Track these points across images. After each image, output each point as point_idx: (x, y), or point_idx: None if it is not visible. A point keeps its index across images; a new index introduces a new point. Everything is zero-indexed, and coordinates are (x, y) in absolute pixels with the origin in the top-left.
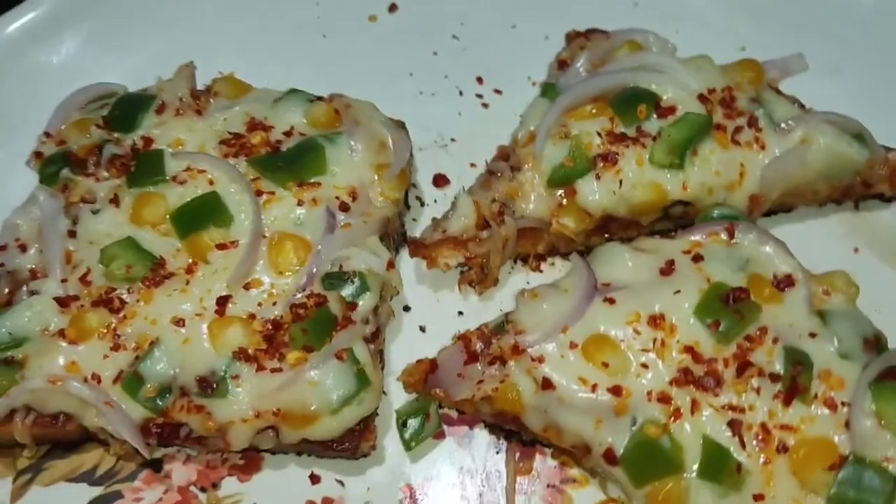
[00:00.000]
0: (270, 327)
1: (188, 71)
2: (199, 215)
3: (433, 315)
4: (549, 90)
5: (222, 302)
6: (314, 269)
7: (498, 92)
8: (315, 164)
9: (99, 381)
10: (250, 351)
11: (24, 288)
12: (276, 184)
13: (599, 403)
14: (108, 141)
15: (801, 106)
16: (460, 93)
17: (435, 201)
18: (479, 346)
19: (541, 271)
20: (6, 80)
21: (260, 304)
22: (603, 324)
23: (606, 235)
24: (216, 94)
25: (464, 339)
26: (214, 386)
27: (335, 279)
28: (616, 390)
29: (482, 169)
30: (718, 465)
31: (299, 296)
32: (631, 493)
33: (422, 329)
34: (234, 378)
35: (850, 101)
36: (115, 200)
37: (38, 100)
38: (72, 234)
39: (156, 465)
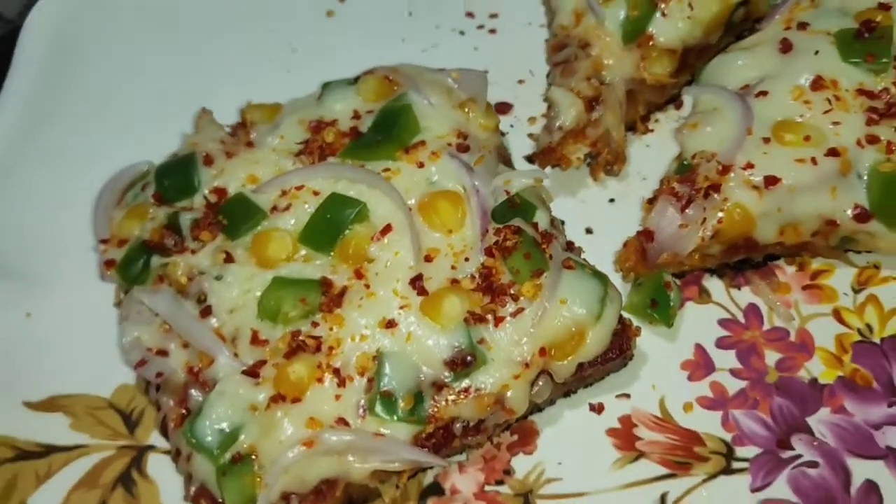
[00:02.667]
0: (481, 280)
1: (208, 117)
2: (333, 222)
3: (589, 215)
4: None
5: (418, 283)
6: (484, 209)
7: (494, 16)
8: (410, 125)
9: (346, 424)
10: (478, 310)
11: (192, 390)
12: (384, 159)
13: (825, 172)
14: (177, 213)
15: None
16: (461, 33)
17: (511, 126)
18: (685, 189)
19: (651, 131)
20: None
21: (454, 267)
22: (776, 112)
23: (689, 72)
24: (253, 124)
25: (667, 191)
26: (470, 359)
27: (504, 211)
28: (832, 152)
29: (531, 81)
30: None
31: (488, 238)
32: (887, 244)
33: (588, 231)
34: (481, 342)
35: None
36: (228, 259)
37: (42, 232)
38: (204, 312)
39: (436, 490)
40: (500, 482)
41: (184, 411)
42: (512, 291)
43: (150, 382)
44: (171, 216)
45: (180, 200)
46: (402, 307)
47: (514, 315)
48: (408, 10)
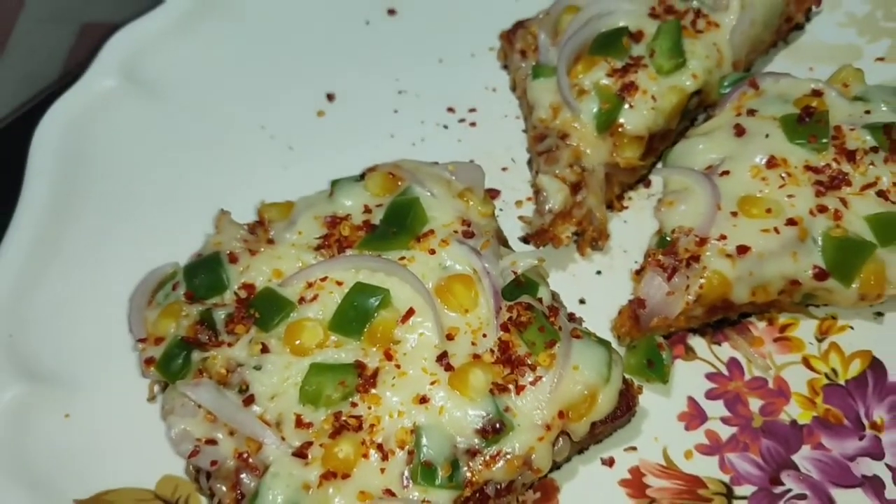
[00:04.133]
0: (500, 353)
1: (227, 217)
2: (360, 310)
3: (580, 287)
4: (540, 71)
5: (444, 360)
6: (496, 289)
7: (473, 110)
8: (420, 216)
9: (393, 495)
10: (500, 381)
11: (243, 476)
12: (400, 249)
13: (787, 239)
14: (209, 309)
15: None
16: (445, 126)
17: (500, 210)
18: (670, 262)
19: (626, 208)
20: (33, 335)
21: (473, 343)
22: (739, 188)
23: (654, 155)
24: (270, 221)
25: (653, 264)
26: (499, 427)
27: (512, 290)
28: (791, 222)
29: (514, 168)
30: (891, 229)
31: (502, 315)
32: (842, 298)
33: (581, 301)
34: (507, 410)
35: None
36: (264, 349)
37: (73, 335)
38: (246, 402)
39: None
40: None
41: (238, 496)
42: (529, 362)
43: (199, 471)
44: (203, 313)
45: (211, 297)
46: (432, 383)
47: (533, 383)
48: (393, 108)
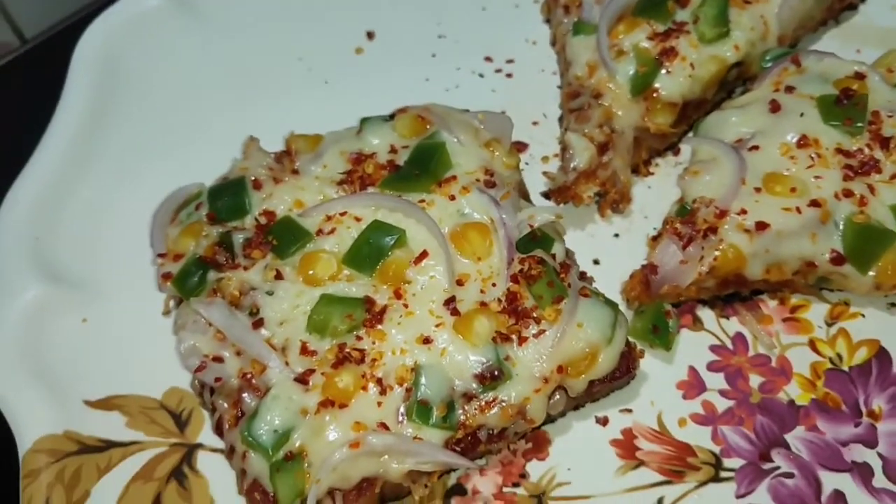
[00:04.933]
0: (507, 303)
1: (256, 144)
2: (375, 247)
3: (596, 248)
4: (581, 28)
5: (451, 304)
6: (510, 240)
7: (510, 61)
8: (444, 161)
9: (387, 428)
10: (504, 330)
11: (245, 395)
12: (420, 191)
13: (808, 220)
14: (229, 232)
15: None
16: (480, 75)
17: (526, 164)
18: (687, 230)
19: (652, 174)
20: (58, 238)
21: (482, 291)
22: (766, 165)
23: (686, 123)
24: (297, 152)
25: (671, 231)
26: (497, 373)
27: (527, 242)
28: (814, 203)
29: (545, 123)
30: None
31: (514, 266)
32: (857, 285)
33: (596, 262)
34: (507, 359)
35: None
36: (278, 276)
37: (97, 242)
38: (255, 324)
39: (459, 491)
40: (516, 484)
41: (238, 413)
42: (535, 315)
43: (203, 386)
44: (223, 234)
45: (232, 220)
46: (437, 325)
47: (536, 336)
48: (431, 52)
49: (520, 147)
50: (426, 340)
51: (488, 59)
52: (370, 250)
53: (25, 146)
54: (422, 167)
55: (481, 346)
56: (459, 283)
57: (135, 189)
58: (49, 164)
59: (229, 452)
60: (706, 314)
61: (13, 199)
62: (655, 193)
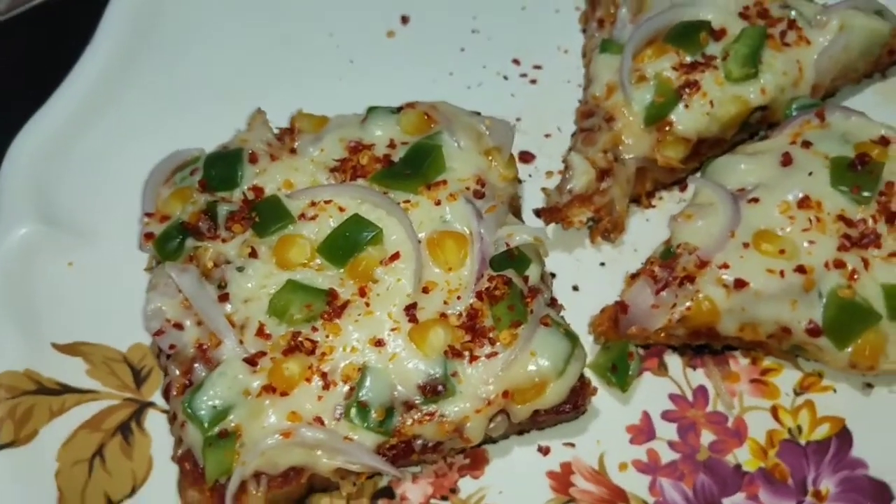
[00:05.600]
0: (467, 319)
1: (261, 117)
2: (350, 240)
3: (578, 273)
4: (609, 46)
5: (411, 310)
6: (484, 255)
7: (538, 67)
8: (437, 164)
9: (322, 423)
10: (458, 346)
11: (197, 365)
12: (407, 191)
13: (789, 286)
14: (216, 202)
15: (815, 2)
16: (505, 77)
17: (529, 176)
18: (664, 274)
19: (654, 206)
20: (58, 183)
21: (445, 302)
22: (761, 221)
23: (698, 160)
24: (299, 132)
25: (647, 272)
26: (440, 388)
27: (502, 260)
28: (800, 269)
29: (558, 136)
30: None
31: (482, 282)
32: (832, 359)
33: (575, 288)
34: (454, 375)
35: None
36: (253, 253)
37: (96, 191)
38: (222, 297)
39: (388, 494)
40: (444, 498)
41: (187, 382)
42: (491, 335)
43: (161, 350)
44: (210, 204)
45: (222, 191)
46: (392, 329)
47: (488, 357)
48: (461, 46)
49: (526, 158)
50: (379, 343)
51: (516, 61)
52: (345, 243)
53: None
54: (414, 167)
55: (432, 358)
56: (425, 290)
57: (145, 144)
58: (66, 106)
59: (171, 418)
60: (673, 361)
61: (26, 134)
62: (652, 227)
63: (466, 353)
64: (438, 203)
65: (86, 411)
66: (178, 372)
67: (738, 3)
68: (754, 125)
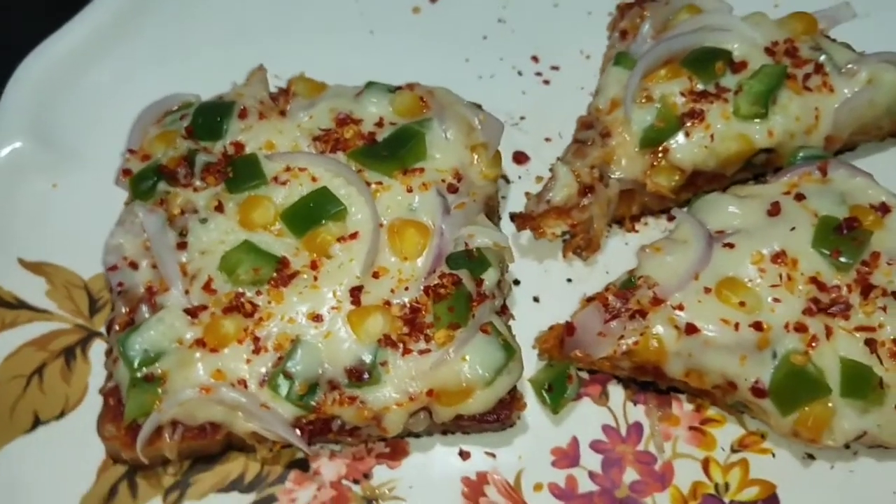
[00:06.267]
0: (408, 311)
1: (261, 74)
2: (313, 212)
3: (543, 285)
4: (623, 59)
5: (356, 293)
6: (440, 251)
7: (555, 68)
8: (417, 151)
9: (245, 386)
10: (394, 336)
11: (143, 306)
12: (382, 173)
13: (743, 340)
14: (196, 150)
15: (852, 49)
16: (519, 73)
17: (519, 177)
18: (617, 304)
19: (636, 231)
20: (61, 105)
21: (392, 291)
22: (730, 268)
23: (693, 191)
24: (294, 95)
25: (601, 298)
26: (367, 375)
27: (459, 258)
28: (757, 326)
29: (557, 142)
30: (861, 383)
31: (432, 277)
32: (776, 424)
33: (535, 299)
34: (383, 364)
35: (886, 41)
36: (219, 208)
37: (97, 119)
38: (181, 245)
39: (302, 465)
40: (356, 481)
41: (129, 320)
42: (428, 332)
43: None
44: (191, 151)
45: (205, 140)
46: (333, 307)
47: (421, 353)
48: (483, 34)
49: (520, 158)
50: (317, 318)
51: (535, 58)
52: (307, 213)
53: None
54: (393, 150)
55: (365, 343)
56: (375, 275)
57: (148, 84)
58: (80, 34)
59: (108, 352)
60: (617, 392)
61: (37, 56)
62: (630, 251)
63: (401, 345)
64: (410, 190)
65: (35, 329)
66: (123, 309)
67: (766, 37)
68: (759, 166)
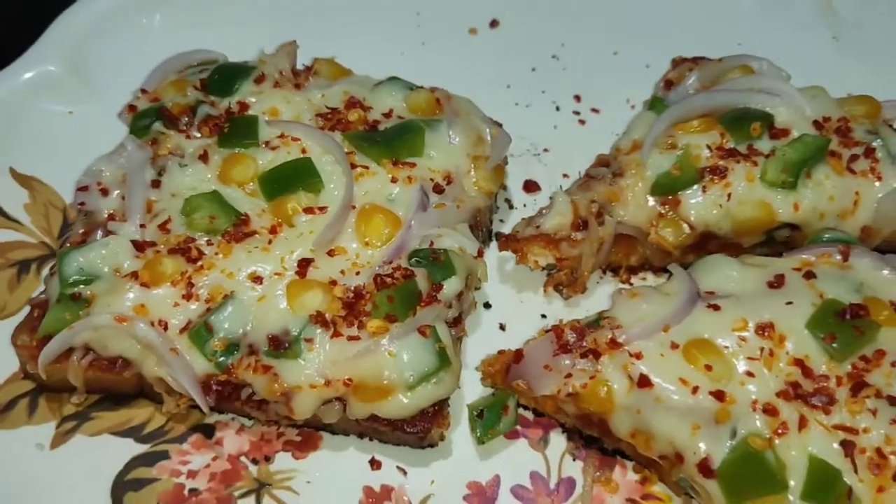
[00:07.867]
0: (352, 295)
1: (291, 48)
2: (290, 179)
3: (514, 314)
4: (657, 105)
5: (304, 265)
6: (403, 243)
7: (595, 111)
8: (413, 145)
9: (166, 328)
10: (328, 316)
11: (100, 231)
12: (372, 159)
13: (699, 408)
14: (202, 102)
15: None
16: (557, 108)
17: (524, 205)
18: (571, 337)
19: (631, 284)
20: (105, 40)
21: (343, 272)
22: (707, 329)
23: (701, 255)
24: (316, 74)
25: (556, 329)
26: (287, 346)
27: (423, 258)
28: (719, 395)
29: (574, 180)
30: (826, 488)
31: (385, 268)
32: None
33: (501, 327)
34: (308, 341)
35: None
36: (203, 157)
37: (133, 62)
38: (155, 184)
39: (207, 431)
40: (255, 461)
41: (81, 241)
42: (364, 320)
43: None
44: (197, 102)
45: (215, 95)
46: (276, 273)
47: (349, 339)
48: (532, 66)
49: (531, 187)
50: (257, 279)
51: (577, 97)
52: (282, 179)
53: None
54: (387, 139)
55: (296, 316)
56: (331, 253)
57: (193, 41)
58: None
59: (52, 267)
60: (559, 441)
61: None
62: None
63: (332, 326)
64: (395, 181)
65: (1, 235)
66: (82, 229)
67: (819, 111)
68: (780, 244)
